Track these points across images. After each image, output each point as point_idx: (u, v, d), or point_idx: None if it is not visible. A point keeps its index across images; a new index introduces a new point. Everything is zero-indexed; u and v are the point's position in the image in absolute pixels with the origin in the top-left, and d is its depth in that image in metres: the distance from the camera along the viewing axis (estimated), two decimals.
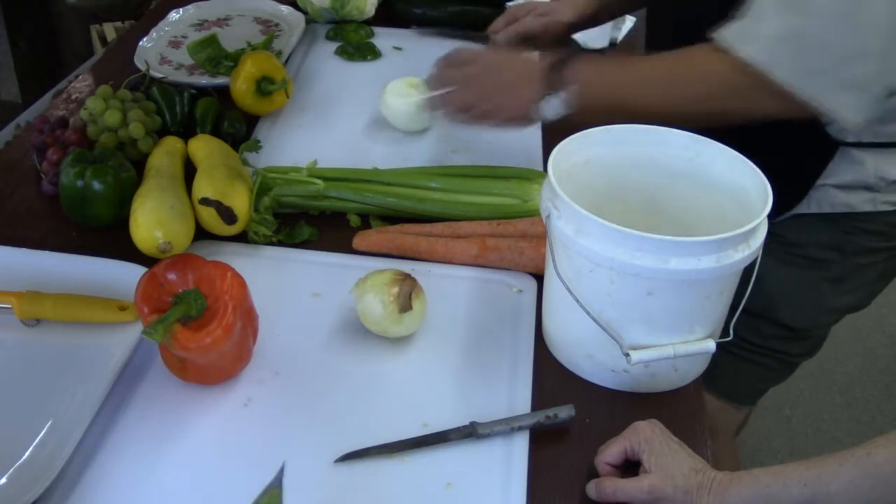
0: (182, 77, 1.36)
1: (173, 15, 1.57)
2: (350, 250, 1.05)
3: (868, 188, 1.07)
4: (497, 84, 1.07)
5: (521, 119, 1.06)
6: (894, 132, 1.04)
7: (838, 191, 1.08)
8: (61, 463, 0.76)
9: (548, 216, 0.85)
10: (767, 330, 1.21)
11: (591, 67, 1.02)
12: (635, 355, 0.83)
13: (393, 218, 1.10)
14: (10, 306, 0.90)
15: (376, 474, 0.79)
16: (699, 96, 0.97)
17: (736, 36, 0.93)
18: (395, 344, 0.93)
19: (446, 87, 1.10)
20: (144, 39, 1.46)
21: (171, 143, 1.14)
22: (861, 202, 1.08)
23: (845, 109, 0.91)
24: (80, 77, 1.42)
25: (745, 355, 1.24)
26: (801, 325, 1.20)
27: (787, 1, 0.90)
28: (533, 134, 1.28)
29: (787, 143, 1.04)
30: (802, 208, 1.11)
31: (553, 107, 1.01)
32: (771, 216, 0.83)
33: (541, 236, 1.01)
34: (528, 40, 1.34)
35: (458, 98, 1.09)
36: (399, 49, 1.53)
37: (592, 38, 1.53)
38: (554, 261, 0.86)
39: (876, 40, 0.88)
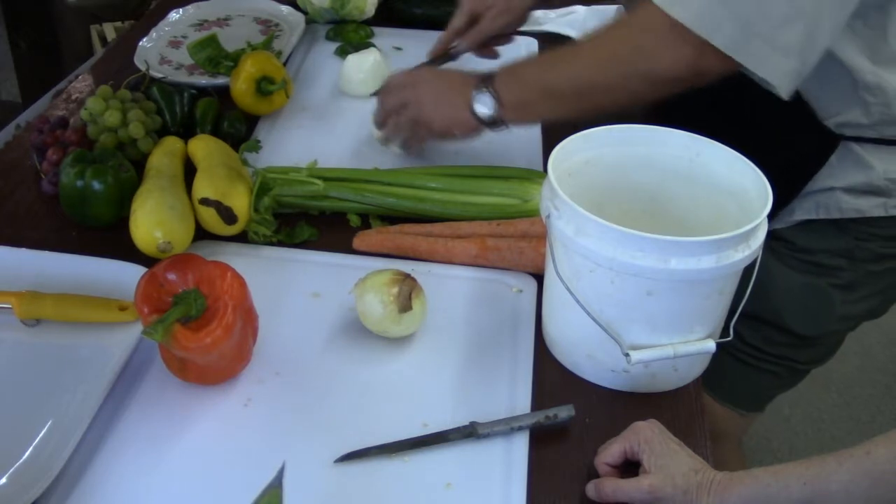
0: (182, 77, 1.36)
1: (173, 15, 1.57)
2: (350, 250, 1.05)
3: (878, 192, 1.06)
4: (432, 93, 1.12)
5: (461, 123, 1.08)
6: None
7: (847, 195, 1.06)
8: (61, 463, 0.76)
9: (548, 216, 0.85)
10: (776, 337, 1.19)
11: (515, 61, 1.07)
12: (635, 355, 0.83)
13: (393, 218, 1.10)
14: (10, 306, 0.90)
15: (376, 474, 0.79)
16: (627, 57, 0.96)
17: None
18: (395, 344, 0.93)
19: (389, 118, 1.16)
20: (144, 39, 1.46)
21: (171, 143, 1.14)
22: (871, 207, 1.07)
23: (778, 75, 0.90)
24: (80, 77, 1.42)
25: (752, 362, 1.22)
26: (809, 332, 1.18)
27: None
28: (533, 134, 1.28)
29: (785, 135, 1.04)
30: (811, 214, 1.09)
31: (484, 102, 1.04)
32: (770, 214, 0.82)
33: (541, 236, 1.01)
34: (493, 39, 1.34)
35: (401, 120, 1.14)
36: (399, 49, 1.53)
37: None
38: (554, 261, 0.86)
39: (808, 2, 0.87)
